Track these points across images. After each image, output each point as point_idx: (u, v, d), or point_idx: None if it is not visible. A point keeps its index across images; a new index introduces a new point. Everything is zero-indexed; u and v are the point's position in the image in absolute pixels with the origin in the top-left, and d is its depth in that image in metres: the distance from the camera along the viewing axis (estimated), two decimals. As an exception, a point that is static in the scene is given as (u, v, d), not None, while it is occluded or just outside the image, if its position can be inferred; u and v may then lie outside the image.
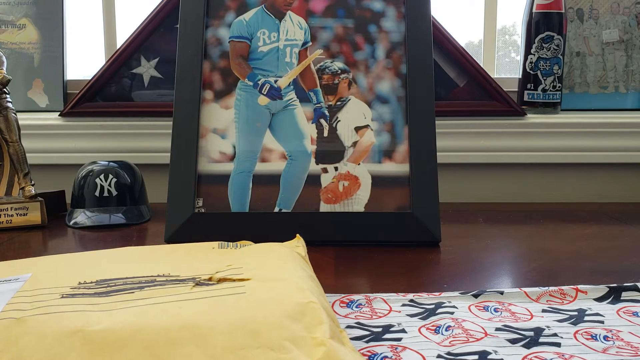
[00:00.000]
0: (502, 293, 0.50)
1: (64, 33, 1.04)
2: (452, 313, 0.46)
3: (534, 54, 0.98)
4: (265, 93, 0.73)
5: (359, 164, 0.72)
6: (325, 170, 0.72)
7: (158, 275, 0.40)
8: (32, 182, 0.81)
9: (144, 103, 1.00)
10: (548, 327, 0.44)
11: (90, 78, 1.00)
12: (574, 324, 0.44)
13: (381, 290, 0.53)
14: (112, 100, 1.00)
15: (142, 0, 1.10)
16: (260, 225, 0.69)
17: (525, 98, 1.00)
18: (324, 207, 0.70)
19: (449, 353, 0.39)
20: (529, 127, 0.98)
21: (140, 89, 1.00)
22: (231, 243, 0.51)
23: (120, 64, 0.99)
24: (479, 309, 0.47)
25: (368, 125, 0.73)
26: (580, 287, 0.51)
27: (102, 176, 0.82)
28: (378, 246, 0.68)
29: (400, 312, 0.47)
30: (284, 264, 0.42)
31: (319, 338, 0.32)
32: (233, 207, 0.71)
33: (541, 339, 0.42)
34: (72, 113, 1.00)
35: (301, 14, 0.76)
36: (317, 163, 0.72)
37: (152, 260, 0.45)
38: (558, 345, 0.41)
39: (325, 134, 0.73)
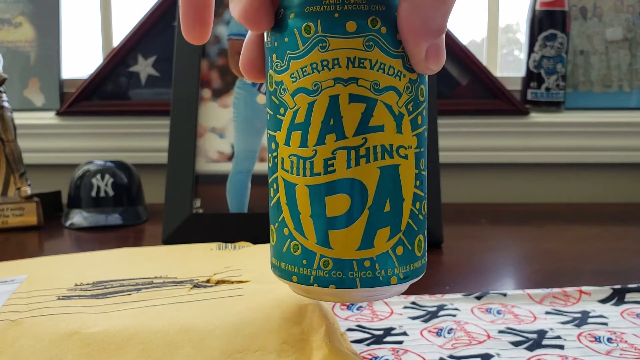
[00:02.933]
0: (505, 295, 0.50)
1: (60, 31, 1.04)
2: (454, 315, 0.46)
3: (537, 52, 0.97)
4: (264, 92, 0.73)
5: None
6: (325, 170, 0.71)
7: (155, 277, 0.40)
8: (28, 182, 0.81)
9: (141, 102, 0.99)
10: (551, 329, 0.43)
11: (86, 77, 1.00)
12: (578, 325, 0.44)
13: (382, 292, 0.52)
14: (109, 99, 1.00)
15: (139, -2, 1.09)
16: (260, 226, 0.69)
17: (529, 97, 0.99)
18: (323, 207, 0.70)
19: (451, 356, 0.39)
20: (532, 126, 0.98)
21: (137, 87, 1.00)
22: (230, 244, 0.50)
23: (117, 62, 0.99)
24: (482, 311, 0.47)
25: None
26: (583, 288, 0.51)
27: (98, 176, 0.81)
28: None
29: (401, 314, 0.46)
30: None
31: (319, 341, 0.31)
32: (231, 207, 0.70)
33: (544, 341, 0.41)
34: (68, 112, 0.99)
35: (300, 12, 0.75)
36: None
37: (149, 262, 0.45)
38: (561, 347, 0.40)
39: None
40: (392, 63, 0.27)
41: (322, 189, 0.27)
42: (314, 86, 0.26)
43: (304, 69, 0.27)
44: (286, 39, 0.27)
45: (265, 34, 0.29)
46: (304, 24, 0.26)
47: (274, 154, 0.28)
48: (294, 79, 0.27)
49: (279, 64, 0.27)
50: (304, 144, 0.27)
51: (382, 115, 0.27)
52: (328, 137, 0.26)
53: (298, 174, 0.27)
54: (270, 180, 0.29)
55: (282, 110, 0.28)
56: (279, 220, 0.29)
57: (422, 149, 0.28)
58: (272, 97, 0.28)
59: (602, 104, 1.02)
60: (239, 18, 0.27)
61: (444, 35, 0.26)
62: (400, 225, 0.28)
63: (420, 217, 0.29)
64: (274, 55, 0.28)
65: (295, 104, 0.27)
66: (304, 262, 0.28)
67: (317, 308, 0.34)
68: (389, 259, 0.27)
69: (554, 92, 0.98)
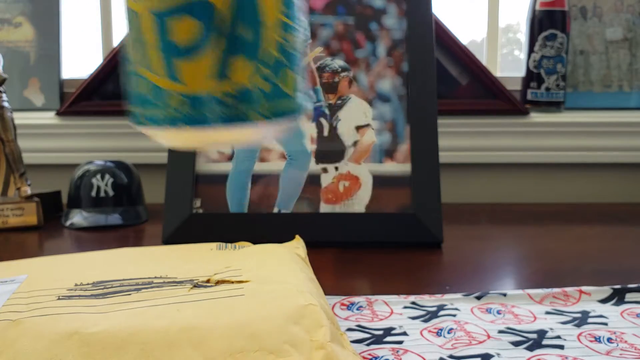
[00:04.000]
0: (505, 295, 0.50)
1: (60, 31, 1.04)
2: (454, 315, 0.46)
3: (537, 52, 0.97)
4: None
5: (359, 164, 0.71)
6: (325, 170, 0.71)
7: (155, 277, 0.40)
8: (28, 182, 0.81)
9: (142, 102, 0.99)
10: (551, 329, 0.43)
11: (87, 77, 1.00)
12: (578, 325, 0.44)
13: (382, 292, 0.52)
14: (109, 99, 1.00)
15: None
16: (259, 226, 0.69)
17: (529, 97, 0.99)
18: (324, 208, 0.70)
19: (451, 356, 0.39)
20: (532, 126, 0.98)
21: (138, 87, 1.00)
22: (230, 244, 0.50)
23: (117, 62, 0.99)
24: (482, 311, 0.47)
25: (369, 124, 0.72)
26: (583, 288, 0.51)
27: (98, 176, 0.81)
28: (379, 247, 0.67)
29: (401, 314, 0.46)
30: (283, 266, 0.42)
31: (319, 341, 0.31)
32: (231, 207, 0.70)
33: (544, 341, 0.41)
34: (68, 112, 0.99)
35: (300, 12, 0.75)
36: (317, 163, 0.71)
37: (149, 262, 0.45)
38: (561, 347, 0.40)
39: (326, 133, 0.72)
40: None
41: (166, 13, 0.24)
42: None
43: None
44: None
45: None
46: None
47: None
48: None
49: None
50: None
51: None
52: None
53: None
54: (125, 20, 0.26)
55: None
56: (133, 61, 0.25)
57: None
58: None
59: (602, 104, 1.02)
60: None
61: None
62: (258, 54, 0.24)
63: (290, 50, 0.25)
64: None
65: None
66: (160, 103, 0.25)
67: (317, 308, 0.34)
68: (251, 94, 0.24)
69: (554, 92, 0.98)
